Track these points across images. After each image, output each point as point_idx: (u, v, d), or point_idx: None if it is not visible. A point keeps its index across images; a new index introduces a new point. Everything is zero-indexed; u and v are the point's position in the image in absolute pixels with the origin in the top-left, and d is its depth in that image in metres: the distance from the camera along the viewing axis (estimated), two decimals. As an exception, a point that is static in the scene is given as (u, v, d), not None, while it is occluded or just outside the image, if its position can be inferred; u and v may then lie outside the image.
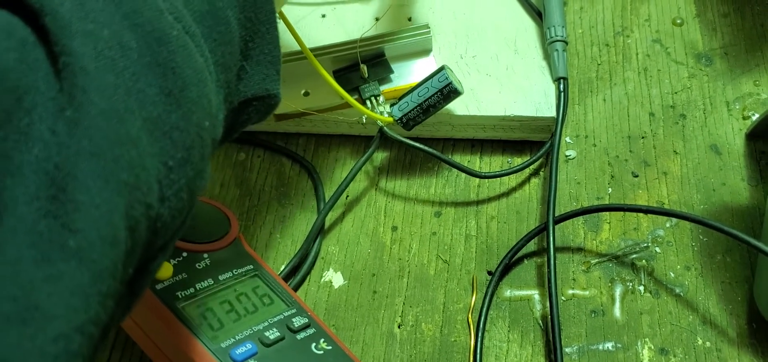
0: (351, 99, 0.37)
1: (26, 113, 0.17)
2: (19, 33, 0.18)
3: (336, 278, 0.35)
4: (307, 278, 0.36)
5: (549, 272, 0.33)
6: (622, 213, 0.36)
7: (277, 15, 0.31)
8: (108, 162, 0.17)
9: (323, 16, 0.44)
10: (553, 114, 0.38)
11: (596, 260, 0.35)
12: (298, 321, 0.31)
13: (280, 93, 0.27)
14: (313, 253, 0.36)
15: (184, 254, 0.32)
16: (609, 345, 0.32)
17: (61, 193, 0.16)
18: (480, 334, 0.33)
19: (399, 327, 0.33)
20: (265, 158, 0.41)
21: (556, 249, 0.34)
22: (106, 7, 0.20)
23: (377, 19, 0.43)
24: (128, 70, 0.19)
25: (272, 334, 0.30)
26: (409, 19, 0.43)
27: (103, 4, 0.19)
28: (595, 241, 0.36)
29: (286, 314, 0.31)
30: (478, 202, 0.38)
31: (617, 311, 0.33)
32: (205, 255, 0.33)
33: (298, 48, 0.36)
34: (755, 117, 0.39)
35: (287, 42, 0.35)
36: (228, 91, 0.24)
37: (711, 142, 0.39)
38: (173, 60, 0.20)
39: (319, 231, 0.37)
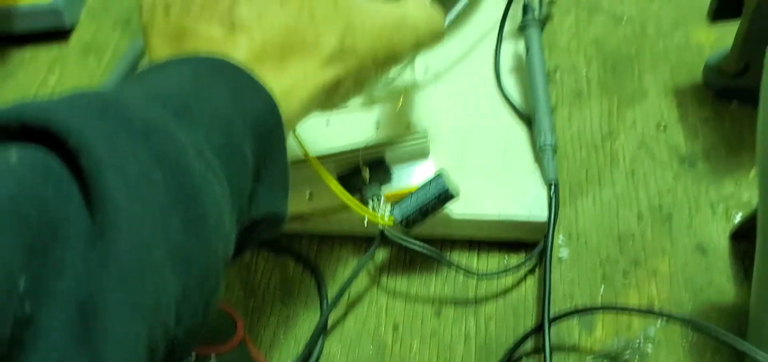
0: (353, 202, 0.39)
1: (61, 244, 0.18)
2: (55, 170, 0.19)
3: (339, 378, 0.36)
4: (311, 378, 0.36)
5: (545, 372, 0.34)
6: (615, 312, 0.38)
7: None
8: (135, 290, 0.19)
9: (327, 123, 0.46)
10: (545, 216, 0.40)
11: (591, 358, 0.36)
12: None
13: (286, 212, 0.29)
14: (316, 353, 0.37)
15: (193, 356, 0.33)
16: None
17: (92, 321, 0.18)
18: (479, 435, 0.33)
19: (400, 427, 0.34)
20: (269, 258, 0.43)
21: (552, 349, 0.35)
22: (136, 145, 0.21)
23: (378, 125, 0.46)
24: (156, 202, 0.21)
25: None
26: (408, 125, 0.46)
27: (132, 143, 0.21)
28: (589, 340, 0.37)
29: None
30: (477, 301, 0.40)
31: (613, 411, 0.34)
32: (213, 357, 0.34)
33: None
34: (738, 217, 0.41)
35: (294, 148, 0.37)
36: (240, 214, 0.26)
37: (697, 242, 0.40)
38: (195, 192, 0.22)
39: (322, 331, 0.38)
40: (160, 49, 0.30)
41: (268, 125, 0.27)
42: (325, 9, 0.31)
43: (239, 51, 0.28)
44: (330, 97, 0.32)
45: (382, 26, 0.34)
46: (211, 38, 0.29)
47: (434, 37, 0.38)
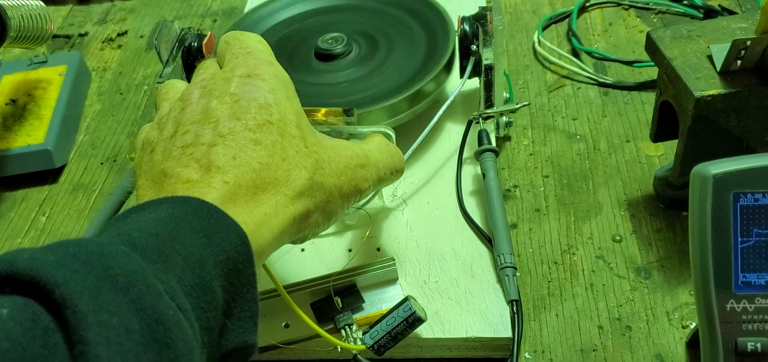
0: (324, 333, 0.41)
1: None
2: (42, 321, 0.22)
3: None
4: None
5: None
6: (579, 426, 0.39)
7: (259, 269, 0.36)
8: None
9: (302, 250, 0.49)
10: (510, 334, 0.42)
11: None
12: None
13: (257, 342, 0.31)
14: None
15: None
16: None
17: None
18: None
19: None
20: (249, 387, 0.44)
21: None
22: (116, 296, 0.24)
23: (350, 250, 0.49)
24: (132, 351, 0.23)
25: None
26: (378, 249, 0.48)
27: (114, 295, 0.24)
28: None
29: None
30: (447, 422, 0.41)
31: None
32: None
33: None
34: (692, 326, 0.43)
35: (268, 280, 0.39)
36: (210, 349, 0.28)
37: (656, 352, 0.42)
38: (168, 336, 0.24)
39: None
40: (145, 190, 0.33)
41: (239, 262, 0.29)
42: (297, 148, 0.34)
43: (214, 191, 0.31)
44: (300, 228, 0.34)
45: (347, 164, 0.37)
46: (189, 180, 0.32)
47: (394, 173, 0.41)
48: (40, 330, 0.22)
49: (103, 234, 0.28)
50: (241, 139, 0.32)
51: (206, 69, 0.37)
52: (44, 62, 0.69)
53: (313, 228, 0.35)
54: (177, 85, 0.39)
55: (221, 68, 0.37)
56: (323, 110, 0.47)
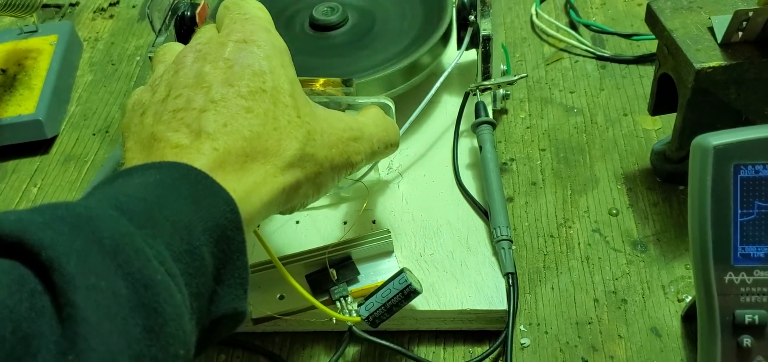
0: (319, 304, 0.40)
1: (32, 357, 0.20)
2: (29, 283, 0.22)
3: None
4: None
5: None
6: (574, 398, 0.39)
7: (253, 233, 0.36)
8: None
9: (297, 222, 0.49)
10: (505, 306, 0.42)
11: None
12: None
13: (247, 309, 0.31)
14: None
15: None
16: None
17: None
18: None
19: None
20: (244, 358, 0.44)
21: None
22: (104, 260, 0.24)
23: (345, 223, 0.48)
24: (120, 315, 0.23)
25: None
26: (374, 222, 0.48)
27: (102, 260, 0.23)
28: (551, 428, 0.39)
29: None
30: (442, 394, 0.41)
31: None
32: None
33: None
34: (688, 299, 0.43)
35: (263, 252, 0.39)
36: (200, 316, 0.28)
37: (651, 325, 0.42)
38: (156, 301, 0.24)
39: (294, 432, 0.39)
40: (134, 154, 0.33)
41: (228, 228, 0.29)
42: (289, 118, 0.34)
43: (203, 157, 0.30)
44: (289, 199, 0.34)
45: (340, 136, 0.36)
46: (178, 145, 0.31)
47: (389, 147, 0.41)
48: (26, 292, 0.21)
49: (90, 198, 0.27)
50: (232, 106, 0.32)
51: (204, 33, 0.36)
52: (35, 32, 0.67)
53: (302, 199, 0.35)
54: (174, 48, 0.38)
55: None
56: (322, 80, 0.46)
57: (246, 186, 0.31)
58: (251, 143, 0.32)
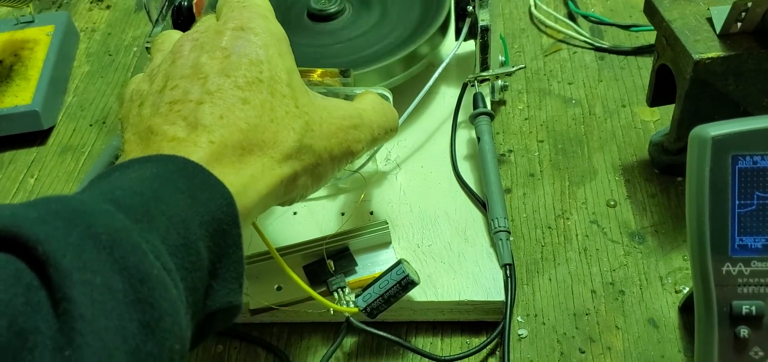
0: (317, 295, 0.40)
1: (29, 352, 0.20)
2: (25, 278, 0.21)
3: None
4: None
5: None
6: (571, 389, 0.39)
7: (251, 225, 0.36)
8: None
9: (295, 213, 0.48)
10: (502, 297, 0.42)
11: (550, 437, 0.38)
12: None
13: (242, 303, 0.31)
14: None
15: None
16: None
17: None
18: None
19: None
20: (241, 349, 0.44)
21: (510, 430, 0.37)
22: (100, 255, 0.23)
23: (343, 214, 0.48)
24: (116, 310, 0.23)
25: None
26: (371, 213, 0.48)
27: (97, 254, 0.23)
28: (548, 418, 0.39)
29: None
30: (440, 384, 0.41)
31: None
32: None
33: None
34: (686, 290, 0.43)
35: (261, 243, 0.39)
36: (195, 310, 0.28)
37: (649, 316, 0.42)
38: (152, 296, 0.24)
39: (291, 422, 0.39)
40: (132, 146, 0.32)
41: (224, 222, 0.29)
42: (286, 109, 0.33)
43: (200, 151, 0.30)
44: (287, 191, 0.34)
45: (339, 125, 0.36)
46: (175, 138, 0.31)
47: (389, 132, 0.40)
48: (22, 287, 0.21)
49: (86, 191, 0.27)
50: (229, 98, 0.32)
51: (203, 22, 0.36)
52: (31, 22, 0.67)
53: (301, 190, 0.35)
54: (172, 36, 0.38)
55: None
56: (319, 70, 0.46)
57: (243, 179, 0.31)
58: (248, 135, 0.32)
